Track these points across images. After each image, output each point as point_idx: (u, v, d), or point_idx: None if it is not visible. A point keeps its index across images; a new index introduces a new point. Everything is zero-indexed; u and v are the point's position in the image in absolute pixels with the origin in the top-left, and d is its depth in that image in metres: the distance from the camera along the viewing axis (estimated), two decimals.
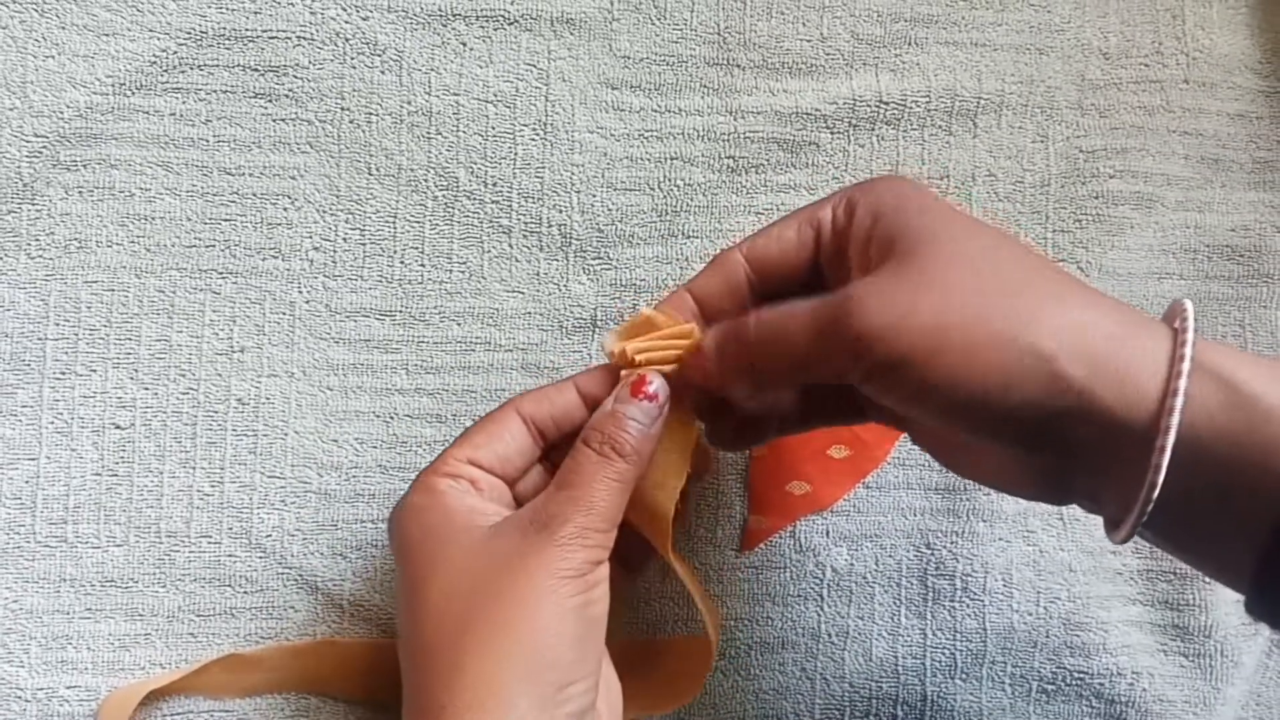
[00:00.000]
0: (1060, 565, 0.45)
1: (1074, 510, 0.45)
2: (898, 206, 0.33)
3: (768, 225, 0.36)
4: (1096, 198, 0.46)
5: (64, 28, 0.42)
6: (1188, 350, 0.29)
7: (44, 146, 0.42)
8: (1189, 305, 0.31)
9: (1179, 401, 0.28)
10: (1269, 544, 0.29)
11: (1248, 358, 0.30)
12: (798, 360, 0.32)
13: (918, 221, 0.32)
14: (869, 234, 0.33)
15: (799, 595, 0.45)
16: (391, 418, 0.43)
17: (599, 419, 0.35)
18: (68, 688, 0.42)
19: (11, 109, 0.42)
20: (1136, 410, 0.29)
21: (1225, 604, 0.45)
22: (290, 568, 0.43)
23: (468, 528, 0.33)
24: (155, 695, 0.42)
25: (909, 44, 0.45)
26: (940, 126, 0.45)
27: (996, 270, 0.31)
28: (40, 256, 0.42)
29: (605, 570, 0.34)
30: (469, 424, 0.43)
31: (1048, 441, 0.30)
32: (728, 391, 0.35)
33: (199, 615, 0.42)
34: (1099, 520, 0.45)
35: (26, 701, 0.42)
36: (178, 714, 0.42)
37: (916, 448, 0.44)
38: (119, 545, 0.42)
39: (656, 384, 0.35)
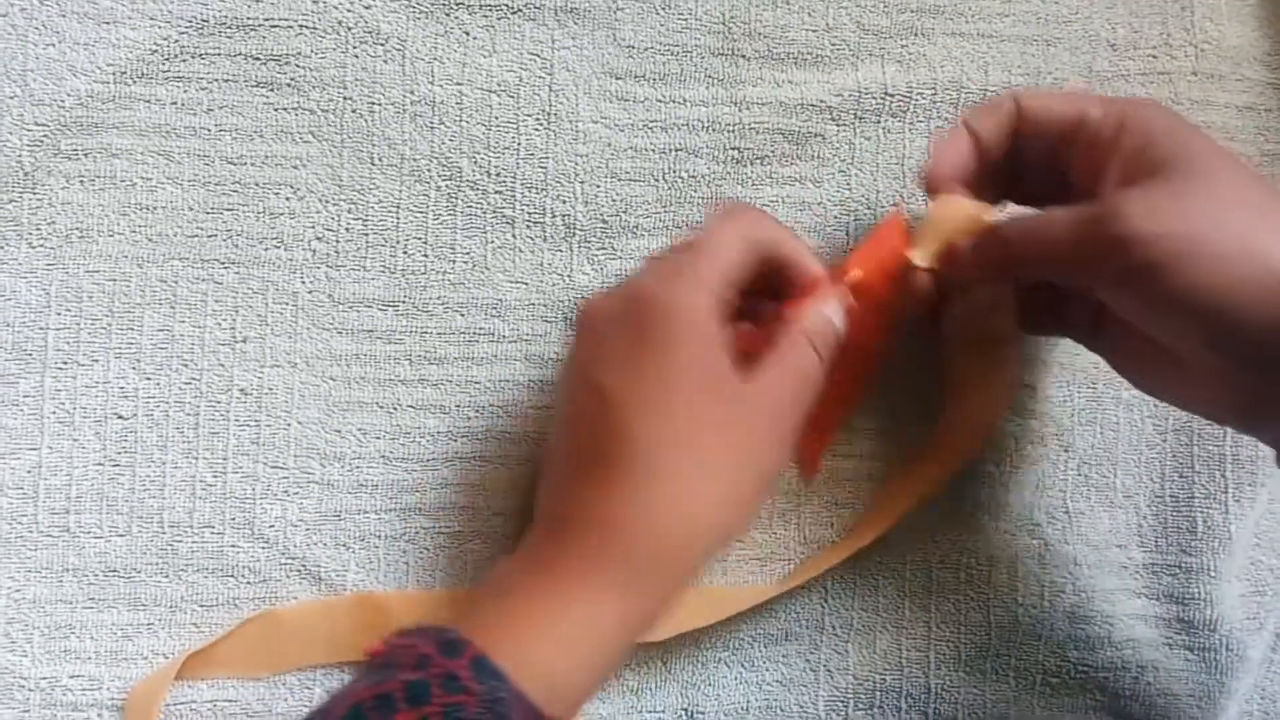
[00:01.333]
0: (1065, 559, 0.45)
1: (1079, 504, 0.45)
2: (1169, 132, 0.35)
3: (1041, 91, 0.40)
4: None
5: (64, 15, 0.42)
6: None
7: (45, 135, 0.42)
8: None
9: None
10: None
11: None
12: (1057, 258, 0.35)
13: (1184, 148, 0.34)
14: (1138, 152, 0.35)
15: (803, 588, 0.44)
16: (395, 408, 0.43)
17: (821, 321, 0.37)
18: (71, 677, 0.42)
19: (12, 97, 0.42)
20: None
21: (1231, 598, 0.45)
22: (293, 558, 0.43)
23: (721, 361, 0.35)
24: (187, 673, 0.42)
25: (915, 35, 0.45)
26: (946, 118, 0.45)
27: (1247, 195, 0.33)
28: (42, 246, 0.42)
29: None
30: (471, 415, 0.43)
31: (1272, 361, 0.32)
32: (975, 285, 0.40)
33: (202, 605, 0.42)
34: (1104, 514, 0.45)
35: (30, 691, 0.41)
36: (208, 702, 0.42)
37: (918, 444, 0.45)
38: (121, 535, 0.42)
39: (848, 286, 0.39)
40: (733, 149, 0.44)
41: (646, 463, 0.34)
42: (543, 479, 0.37)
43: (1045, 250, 0.35)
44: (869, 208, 0.45)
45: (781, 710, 0.44)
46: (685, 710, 0.44)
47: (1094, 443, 0.45)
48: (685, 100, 0.44)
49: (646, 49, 0.44)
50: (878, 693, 0.45)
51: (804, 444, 0.41)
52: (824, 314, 0.37)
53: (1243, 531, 0.45)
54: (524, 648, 0.32)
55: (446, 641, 0.32)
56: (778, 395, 0.36)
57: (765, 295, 0.38)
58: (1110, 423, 0.45)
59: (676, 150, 0.44)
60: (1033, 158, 0.39)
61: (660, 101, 0.44)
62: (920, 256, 0.39)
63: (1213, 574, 0.45)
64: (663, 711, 0.44)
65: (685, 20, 0.44)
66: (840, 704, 0.44)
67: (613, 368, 0.35)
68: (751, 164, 0.44)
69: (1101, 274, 0.34)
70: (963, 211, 0.38)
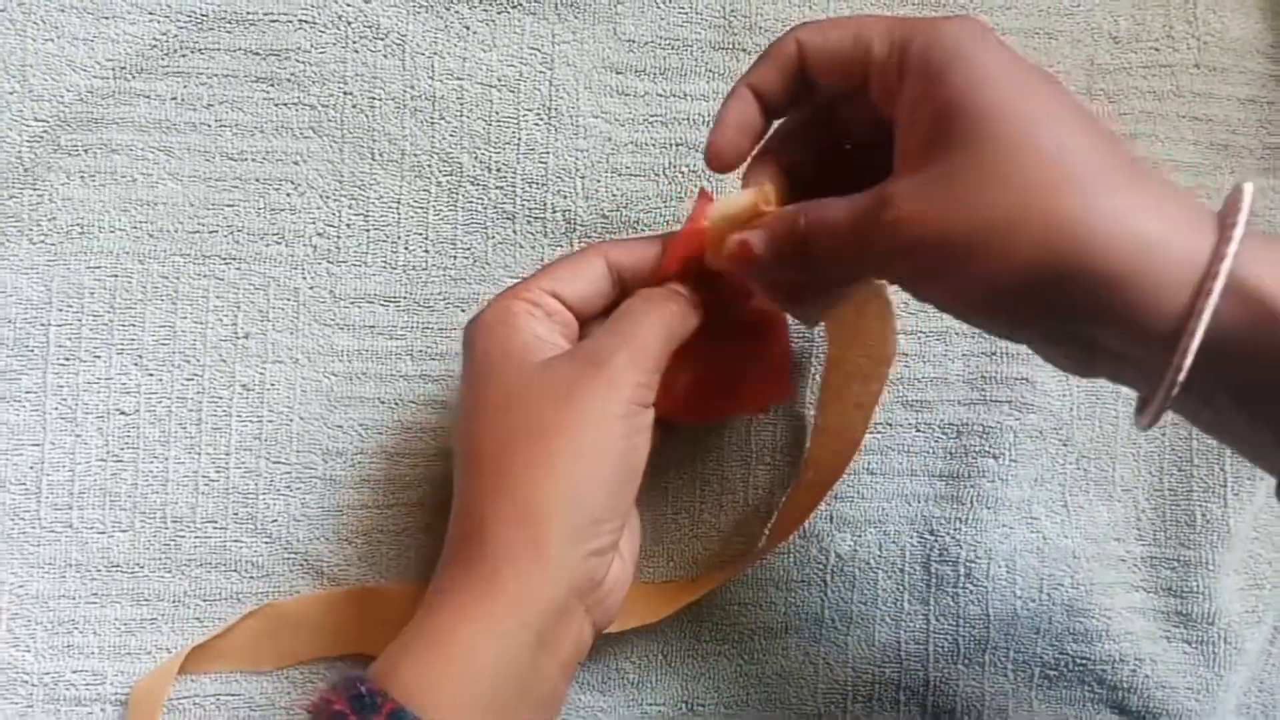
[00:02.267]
0: (1064, 552, 0.45)
1: (1078, 497, 0.45)
2: (954, 73, 0.30)
3: (823, 21, 0.34)
4: None
5: (63, 10, 0.42)
6: (1223, 267, 0.28)
7: (45, 131, 0.42)
8: (1247, 194, 0.29)
9: (1201, 323, 0.28)
10: None
11: None
12: (842, 257, 0.33)
13: (974, 99, 0.30)
14: (919, 101, 0.31)
15: (802, 580, 0.45)
16: (396, 403, 0.43)
17: (664, 294, 0.36)
18: (74, 672, 0.42)
19: (11, 93, 0.42)
20: (1156, 322, 0.28)
21: (1228, 591, 0.45)
22: (295, 553, 0.43)
23: (531, 353, 0.35)
24: (190, 667, 0.42)
25: None
26: None
27: (1040, 167, 0.29)
28: (42, 242, 0.42)
29: (649, 420, 0.35)
30: None
31: (1074, 339, 0.30)
32: (781, 279, 0.36)
33: (205, 600, 0.43)
34: (1103, 508, 0.45)
35: (33, 686, 0.42)
36: (210, 696, 0.42)
37: (921, 434, 0.45)
38: (124, 530, 0.42)
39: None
40: None
41: (488, 468, 0.34)
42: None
43: (834, 247, 0.32)
44: None
45: (781, 703, 0.45)
46: (685, 702, 0.44)
47: (1093, 436, 0.45)
48: (686, 94, 0.44)
49: (647, 43, 0.44)
50: (876, 685, 0.45)
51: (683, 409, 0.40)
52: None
53: (1241, 525, 0.45)
54: (438, 687, 0.32)
55: (357, 696, 0.31)
56: (611, 360, 0.34)
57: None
58: (1109, 416, 0.46)
59: (677, 145, 0.44)
60: (852, 110, 0.35)
61: (661, 96, 0.44)
62: (710, 258, 0.36)
63: (1211, 567, 0.45)
64: (663, 704, 0.44)
65: (686, 14, 0.44)
66: (839, 696, 0.45)
67: (467, 393, 0.36)
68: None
69: (885, 271, 0.33)
70: (737, 206, 0.35)
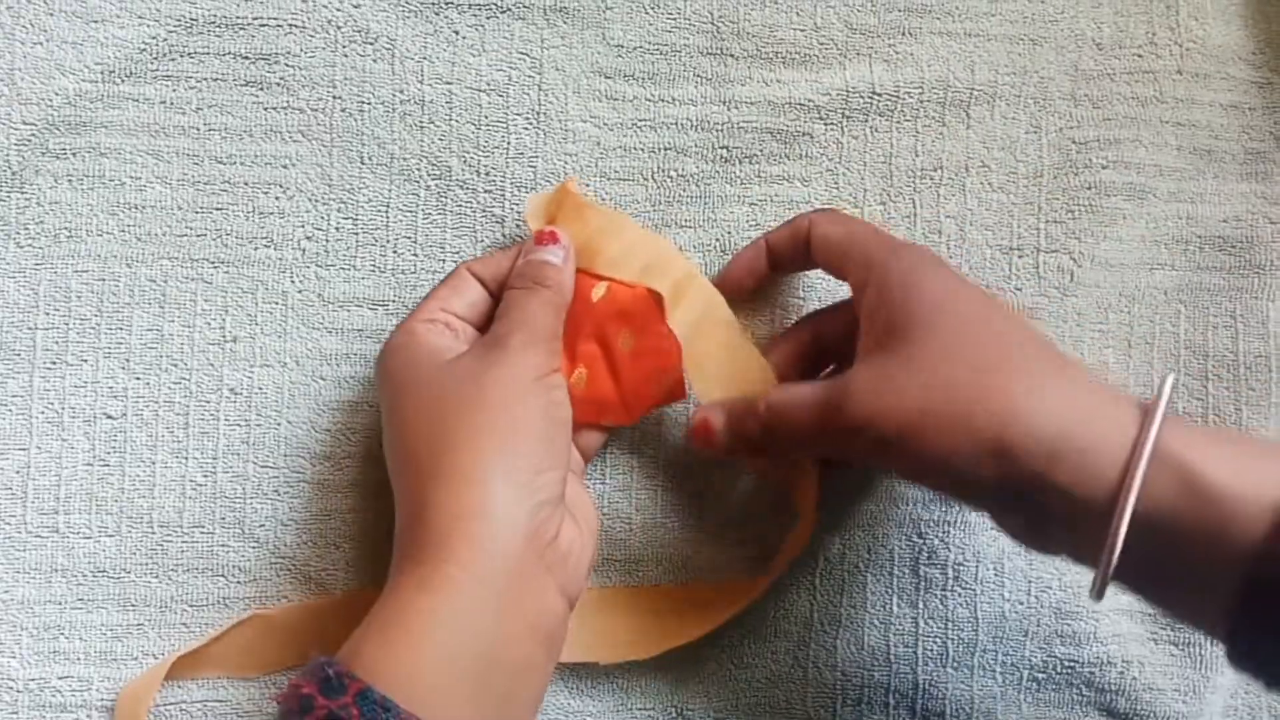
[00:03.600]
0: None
1: None
2: (903, 288, 0.36)
3: (833, 213, 0.42)
4: (1089, 188, 0.46)
5: (52, 14, 0.42)
6: (1148, 443, 0.31)
7: (33, 134, 0.42)
8: (1169, 385, 0.33)
9: (1132, 497, 0.31)
10: (1237, 609, 0.31)
11: (1213, 440, 0.33)
12: (803, 441, 0.38)
13: (913, 310, 0.36)
14: (876, 312, 0.37)
15: (791, 584, 0.45)
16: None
17: (519, 268, 0.40)
18: (60, 678, 0.42)
19: (0, 96, 0.42)
20: (1095, 493, 0.32)
21: None
22: (283, 558, 0.43)
23: (439, 357, 0.37)
24: (177, 673, 0.42)
25: (903, 34, 0.45)
26: (933, 117, 0.45)
27: (978, 356, 0.34)
28: (30, 245, 0.42)
29: (560, 381, 0.38)
30: None
31: (1018, 509, 0.34)
32: (738, 456, 0.42)
33: (192, 605, 0.42)
34: None
35: (18, 692, 0.41)
36: (198, 702, 0.42)
37: None
38: (111, 535, 0.42)
39: (558, 232, 0.40)
40: (721, 148, 0.45)
41: (422, 465, 0.35)
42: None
43: (794, 431, 0.37)
44: (856, 206, 0.45)
45: (770, 707, 0.45)
46: (675, 708, 0.44)
47: None
48: (674, 99, 0.44)
49: (635, 48, 0.44)
50: (865, 689, 0.45)
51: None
52: (519, 261, 0.40)
53: None
54: (402, 661, 0.32)
55: (325, 679, 0.32)
56: (510, 340, 0.37)
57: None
58: None
59: (665, 149, 0.44)
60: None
61: (649, 101, 0.44)
62: (531, 215, 0.42)
63: None
64: (652, 709, 0.44)
65: (674, 20, 0.44)
66: (829, 700, 0.45)
67: (386, 428, 0.38)
68: (740, 163, 0.45)
69: (846, 452, 0.38)
70: (544, 198, 0.42)
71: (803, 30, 0.45)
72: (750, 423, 0.39)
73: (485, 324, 0.40)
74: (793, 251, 0.42)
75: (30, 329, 0.42)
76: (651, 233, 0.44)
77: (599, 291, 0.41)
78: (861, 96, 0.45)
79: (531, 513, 0.35)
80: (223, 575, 0.42)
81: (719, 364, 0.42)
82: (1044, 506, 0.33)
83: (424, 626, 0.33)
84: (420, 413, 0.36)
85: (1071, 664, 0.45)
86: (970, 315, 0.35)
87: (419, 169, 0.43)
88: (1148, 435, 0.32)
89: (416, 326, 0.38)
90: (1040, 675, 0.45)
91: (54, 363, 0.42)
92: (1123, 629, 0.45)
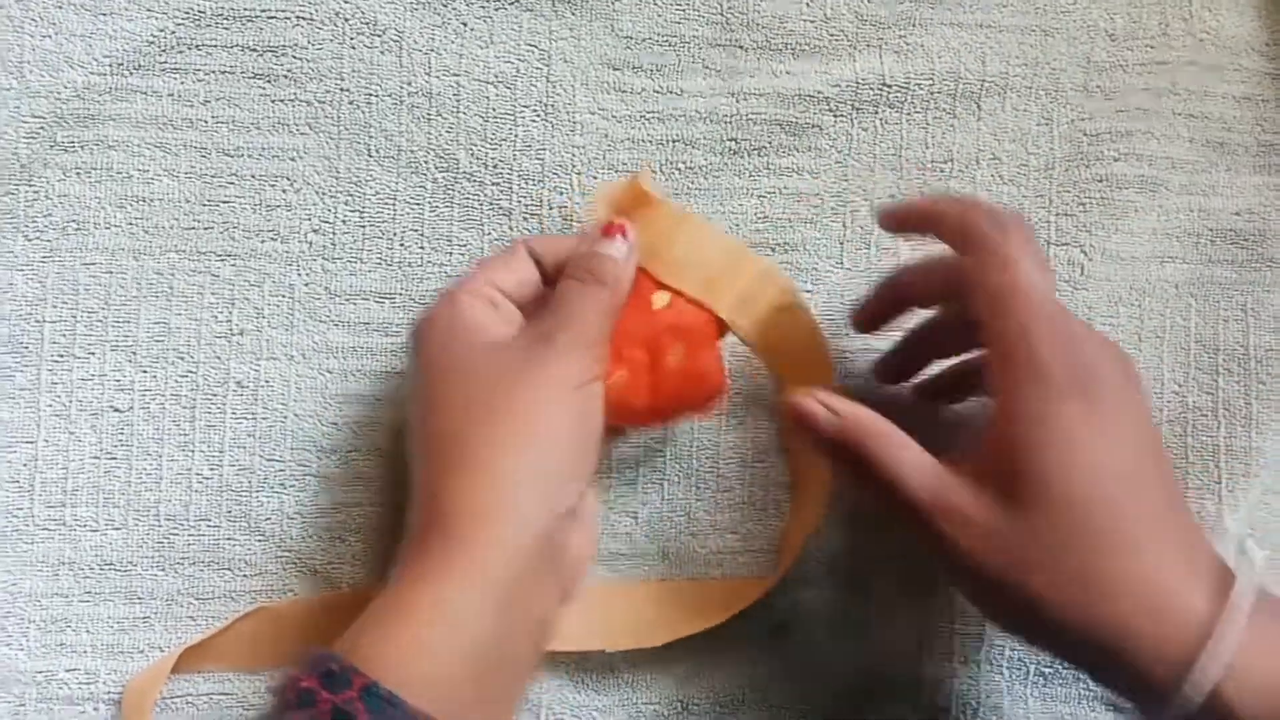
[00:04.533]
0: None
1: None
2: (1045, 450, 0.34)
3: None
4: (1101, 181, 0.46)
5: (61, 7, 0.42)
6: (1223, 639, 0.32)
7: (41, 127, 0.42)
8: (1253, 559, 0.34)
9: (1198, 682, 0.32)
10: None
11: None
12: (891, 505, 0.36)
13: (1040, 458, 0.34)
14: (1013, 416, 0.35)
15: (798, 579, 0.44)
16: (391, 401, 0.43)
17: (579, 257, 0.38)
18: (67, 670, 0.42)
19: (8, 89, 0.42)
20: (1167, 673, 0.32)
21: None
22: (289, 551, 0.43)
23: (483, 337, 0.36)
24: (183, 666, 0.42)
25: (913, 25, 0.45)
26: (944, 109, 0.45)
27: (1097, 525, 0.33)
28: (38, 239, 0.42)
29: (599, 390, 0.37)
30: None
31: (1101, 674, 0.35)
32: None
33: (198, 599, 0.42)
34: None
35: (25, 685, 0.42)
36: (204, 695, 0.42)
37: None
38: (118, 529, 0.42)
39: (626, 226, 0.39)
40: (730, 140, 0.44)
41: (449, 454, 0.35)
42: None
43: (892, 493, 0.36)
44: (865, 198, 0.45)
45: (776, 702, 0.44)
46: (680, 702, 0.44)
47: None
48: (683, 91, 0.44)
49: (644, 40, 0.44)
50: (873, 684, 0.45)
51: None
52: (583, 250, 0.38)
53: (1236, 523, 0.45)
54: (406, 657, 0.32)
55: (328, 673, 0.31)
56: (557, 338, 0.36)
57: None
58: None
59: (674, 141, 0.44)
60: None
61: (658, 93, 0.44)
62: (600, 208, 0.40)
63: None
64: (658, 704, 0.44)
65: (683, 11, 0.44)
66: (834, 695, 0.45)
67: (414, 393, 0.37)
68: (749, 155, 0.44)
69: (935, 553, 0.36)
70: (618, 189, 0.40)
71: (812, 21, 0.45)
72: (851, 447, 0.36)
73: (532, 306, 0.38)
74: (938, 295, 0.40)
75: (38, 322, 0.42)
76: (723, 235, 0.43)
77: (661, 300, 0.40)
78: (871, 88, 0.45)
79: (551, 521, 0.34)
80: (229, 569, 0.42)
81: (787, 348, 0.42)
82: (1108, 674, 0.35)
83: (429, 619, 0.32)
84: (452, 396, 0.35)
85: None
86: (1099, 477, 0.34)
87: (426, 161, 0.43)
88: (1217, 640, 0.32)
89: (461, 298, 0.37)
90: (1047, 670, 0.45)
91: (61, 356, 0.42)
92: None
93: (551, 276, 0.39)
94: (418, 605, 0.33)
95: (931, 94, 0.45)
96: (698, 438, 0.44)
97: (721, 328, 0.40)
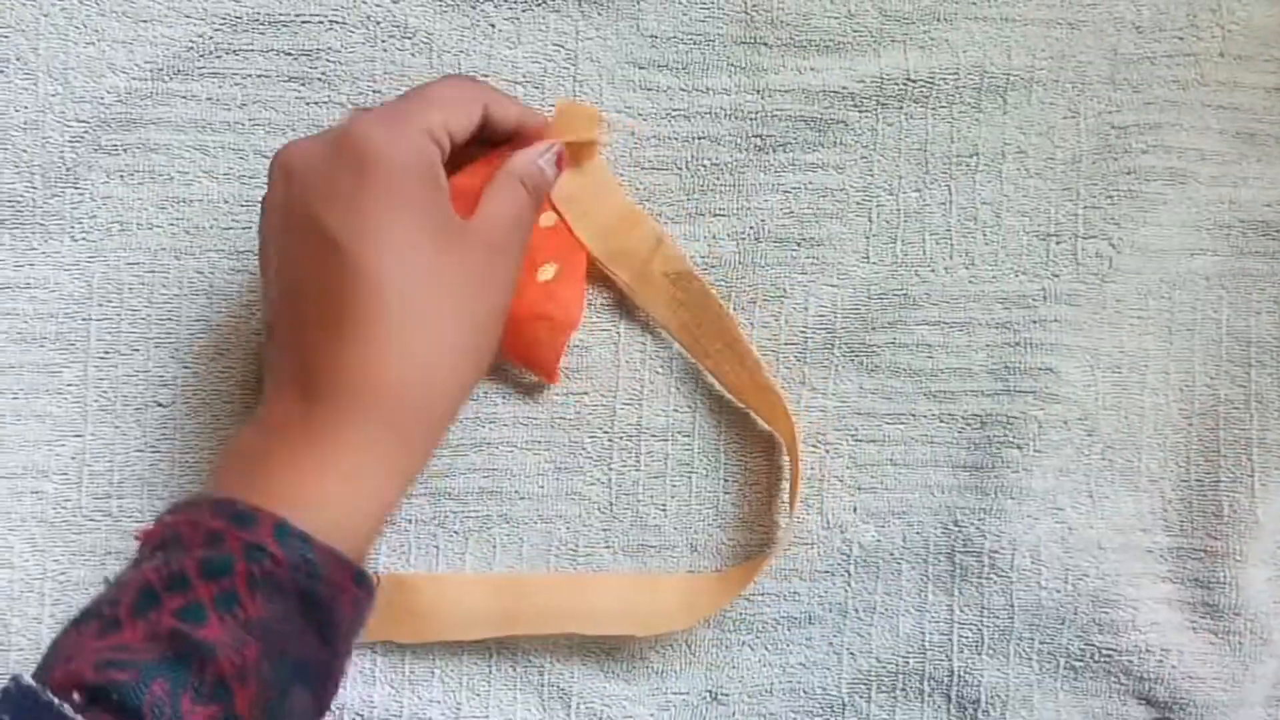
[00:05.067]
0: (1089, 542, 0.45)
1: (1104, 488, 0.45)
2: None
3: None
4: (1129, 173, 0.45)
5: (103, 14, 0.43)
6: None
7: (85, 131, 0.43)
8: None
9: None
10: None
11: None
12: None
13: None
14: None
15: (826, 571, 0.45)
16: None
17: (533, 161, 0.39)
18: None
19: (54, 95, 0.43)
20: None
21: (1256, 582, 0.45)
22: None
23: (444, 209, 0.36)
24: None
25: (937, 20, 0.45)
26: (969, 103, 0.45)
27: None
28: (84, 239, 0.44)
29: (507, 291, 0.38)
30: (499, 401, 0.44)
31: None
32: None
33: None
34: (1129, 498, 0.45)
35: None
36: None
37: (945, 425, 0.45)
38: None
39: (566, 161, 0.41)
40: (755, 136, 0.45)
41: (394, 310, 0.34)
42: (271, 338, 0.36)
43: None
44: (891, 193, 0.45)
45: (805, 692, 0.45)
46: (709, 692, 0.45)
47: (1118, 427, 0.45)
48: (708, 89, 0.45)
49: (669, 38, 0.45)
50: (900, 675, 0.45)
51: (532, 343, 0.43)
52: (533, 158, 0.39)
53: (1269, 516, 0.45)
54: (311, 509, 0.32)
55: (237, 514, 0.31)
56: (494, 234, 0.37)
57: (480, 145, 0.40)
58: (1135, 407, 0.45)
59: (699, 138, 0.45)
60: None
61: (683, 90, 0.45)
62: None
63: (1238, 558, 0.45)
64: (687, 693, 0.45)
65: (708, 9, 0.45)
66: (863, 686, 0.45)
67: (337, 212, 0.34)
68: (774, 151, 0.45)
69: None
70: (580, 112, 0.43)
71: (836, 18, 0.45)
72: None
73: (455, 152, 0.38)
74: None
75: (85, 320, 0.43)
76: (631, 204, 0.45)
77: (549, 220, 0.43)
78: (896, 83, 0.45)
79: (454, 410, 0.36)
80: None
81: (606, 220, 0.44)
82: None
83: (343, 476, 0.33)
84: (392, 243, 0.34)
85: (1110, 652, 0.45)
86: None
87: None
88: None
89: (430, 150, 0.36)
90: (1078, 663, 0.45)
91: (107, 352, 0.44)
92: (1161, 617, 0.45)
93: (491, 139, 0.39)
94: (326, 463, 0.33)
95: (956, 88, 0.45)
96: (725, 430, 0.45)
97: (589, 265, 0.44)
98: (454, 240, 0.35)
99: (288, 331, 0.35)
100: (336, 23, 0.44)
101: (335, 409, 0.34)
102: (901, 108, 0.45)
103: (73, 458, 0.43)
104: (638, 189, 0.45)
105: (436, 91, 0.37)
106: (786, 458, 0.44)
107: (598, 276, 0.44)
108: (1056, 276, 0.45)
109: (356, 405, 0.34)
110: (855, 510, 0.45)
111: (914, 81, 0.45)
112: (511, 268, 0.37)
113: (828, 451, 0.45)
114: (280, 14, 0.44)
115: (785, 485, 0.45)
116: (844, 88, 0.45)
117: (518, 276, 0.38)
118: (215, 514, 0.31)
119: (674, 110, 0.45)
